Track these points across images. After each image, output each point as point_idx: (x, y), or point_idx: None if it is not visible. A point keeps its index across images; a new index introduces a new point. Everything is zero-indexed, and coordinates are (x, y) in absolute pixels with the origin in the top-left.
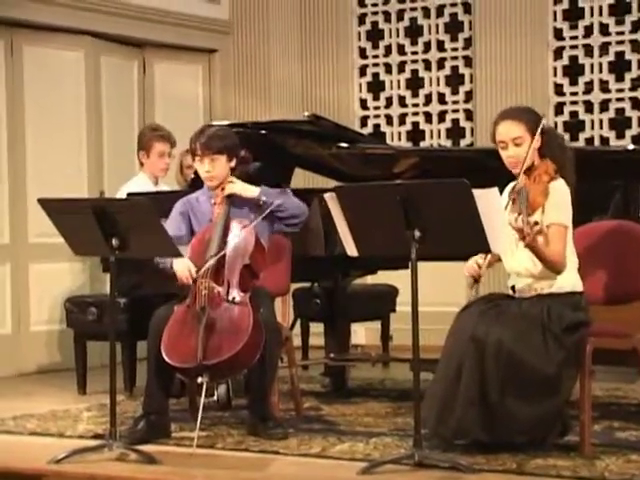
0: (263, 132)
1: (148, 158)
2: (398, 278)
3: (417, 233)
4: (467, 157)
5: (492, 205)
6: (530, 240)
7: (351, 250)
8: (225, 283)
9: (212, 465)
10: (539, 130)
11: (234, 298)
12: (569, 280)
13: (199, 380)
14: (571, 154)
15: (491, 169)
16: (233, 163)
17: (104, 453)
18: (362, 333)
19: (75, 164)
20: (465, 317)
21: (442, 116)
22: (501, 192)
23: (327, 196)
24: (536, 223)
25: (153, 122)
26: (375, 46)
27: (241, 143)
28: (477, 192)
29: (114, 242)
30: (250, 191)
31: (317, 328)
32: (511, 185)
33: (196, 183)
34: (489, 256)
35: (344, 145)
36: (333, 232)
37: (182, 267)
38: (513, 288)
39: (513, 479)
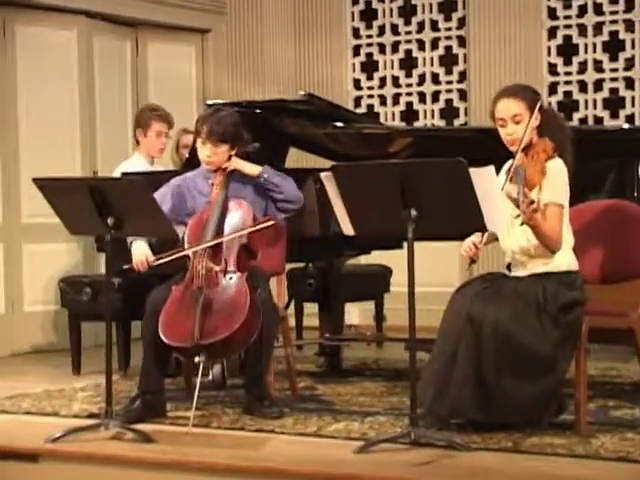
0: (258, 111)
1: (145, 137)
2: (391, 258)
3: (414, 212)
4: (462, 137)
5: (488, 184)
6: (527, 218)
7: (347, 229)
8: (222, 263)
9: (208, 444)
10: (537, 108)
11: (231, 278)
12: (565, 259)
13: (196, 359)
14: (570, 133)
15: (486, 148)
16: (234, 152)
17: (100, 432)
18: (356, 313)
19: (68, 144)
20: (461, 297)
21: (436, 96)
22: (497, 172)
23: (323, 175)
24: (532, 202)
25: (152, 102)
26: (369, 26)
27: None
28: (473, 171)
29: (110, 221)
30: (252, 168)
31: (310, 309)
32: (508, 163)
33: (190, 163)
34: (485, 235)
35: (339, 124)
36: (328, 212)
37: (139, 252)
38: (509, 266)
39: (509, 457)
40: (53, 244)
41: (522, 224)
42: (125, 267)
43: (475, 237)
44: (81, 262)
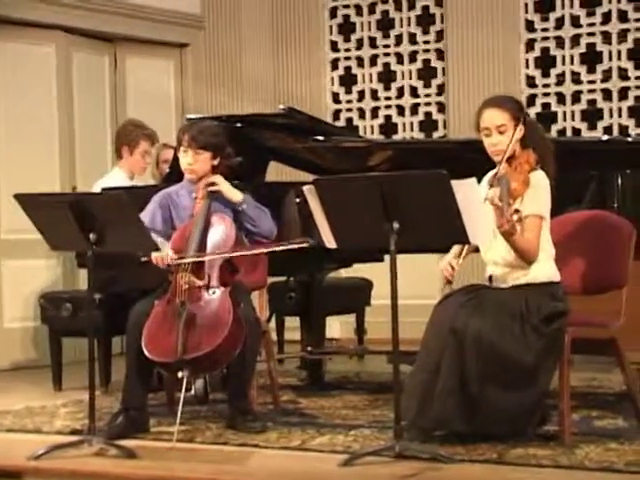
0: (238, 125)
1: (131, 155)
2: (372, 271)
3: (396, 225)
4: (442, 149)
5: (470, 196)
6: (508, 228)
7: (330, 243)
8: (205, 277)
9: (192, 459)
10: (522, 119)
11: (214, 292)
12: (546, 270)
13: (179, 374)
14: (552, 146)
15: (466, 160)
16: (216, 162)
17: (83, 448)
18: (337, 327)
19: (47, 159)
20: (444, 309)
21: (415, 109)
22: (478, 183)
23: (306, 189)
24: (517, 211)
25: (135, 118)
26: (347, 39)
27: None
28: (455, 183)
29: (91, 237)
30: (234, 194)
31: (291, 323)
32: (490, 173)
33: (171, 177)
34: (462, 255)
35: (320, 138)
36: (309, 225)
37: (163, 250)
38: (490, 278)
39: (494, 469)
40: (33, 260)
41: (502, 233)
42: (143, 259)
43: (452, 257)
44: (61, 278)
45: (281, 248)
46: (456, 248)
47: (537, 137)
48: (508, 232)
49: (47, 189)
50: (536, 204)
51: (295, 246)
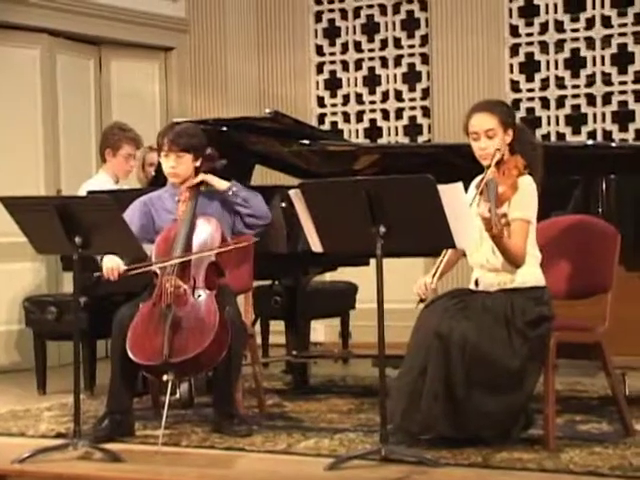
0: (224, 129)
1: (114, 157)
2: (357, 275)
3: (382, 229)
4: (427, 153)
5: (457, 200)
6: (497, 232)
7: (316, 247)
8: (191, 281)
9: (178, 463)
10: (511, 124)
11: (200, 295)
12: (532, 275)
13: (165, 378)
14: (541, 152)
15: (450, 165)
16: (198, 163)
17: (68, 452)
18: (321, 330)
19: (31, 162)
20: (429, 313)
21: (399, 113)
22: (465, 188)
23: (292, 193)
24: (504, 215)
25: (119, 121)
26: (332, 43)
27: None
28: (442, 187)
29: (77, 240)
30: (221, 182)
31: (276, 326)
32: (478, 178)
33: (157, 181)
34: (436, 277)
35: (305, 142)
36: (295, 229)
37: (110, 261)
38: (476, 282)
39: (479, 473)
40: (17, 263)
41: (491, 237)
42: (96, 274)
43: (428, 277)
44: (45, 281)
45: (228, 248)
46: (432, 269)
47: (526, 142)
48: (497, 236)
49: (32, 192)
50: (523, 209)
51: (240, 245)
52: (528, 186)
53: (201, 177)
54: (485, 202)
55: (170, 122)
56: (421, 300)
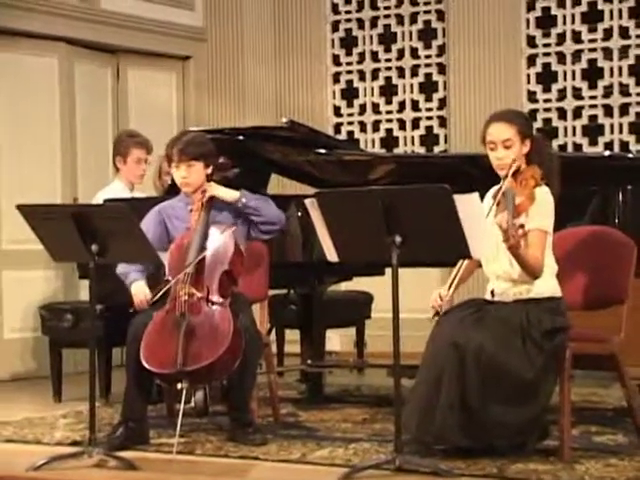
0: (240, 138)
1: (125, 164)
2: (372, 284)
3: (398, 238)
4: (443, 163)
5: (473, 210)
6: (514, 242)
7: (331, 256)
8: (205, 289)
9: (192, 471)
10: (529, 135)
11: (214, 304)
12: (548, 285)
13: (179, 386)
14: (557, 163)
15: (467, 176)
16: (209, 170)
17: (83, 459)
18: (336, 340)
19: (49, 171)
20: (445, 323)
21: (416, 123)
22: (480, 199)
23: (307, 202)
24: (522, 226)
25: (129, 128)
26: (348, 53)
27: (218, 149)
28: (458, 197)
29: (94, 248)
30: (230, 194)
31: (291, 335)
32: (494, 189)
33: (173, 189)
34: (452, 289)
35: (321, 151)
36: (310, 238)
37: (139, 293)
38: (492, 292)
39: None
40: (33, 271)
41: (508, 248)
42: (131, 310)
43: (443, 289)
44: (61, 289)
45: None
46: (449, 280)
47: (544, 153)
48: (514, 247)
49: (48, 200)
50: (541, 219)
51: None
52: (545, 196)
53: (210, 191)
54: (502, 213)
55: (178, 133)
56: (436, 313)
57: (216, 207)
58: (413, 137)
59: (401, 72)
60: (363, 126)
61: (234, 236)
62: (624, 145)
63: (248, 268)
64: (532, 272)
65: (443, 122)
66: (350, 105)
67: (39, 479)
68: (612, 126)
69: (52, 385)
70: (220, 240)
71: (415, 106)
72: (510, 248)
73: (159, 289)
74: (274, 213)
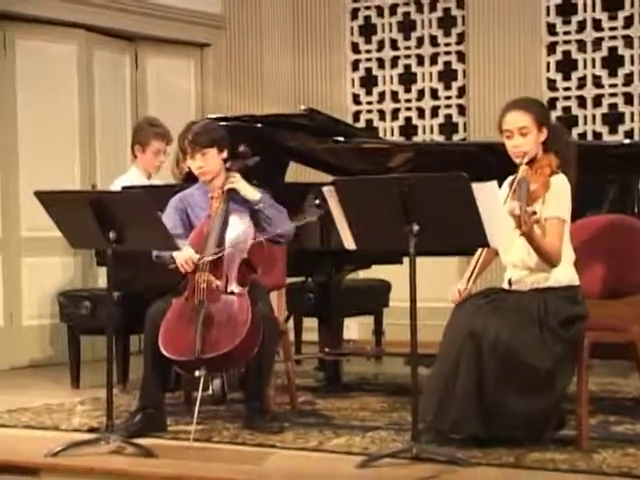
0: (258, 125)
1: (144, 153)
2: (390, 273)
3: (415, 227)
4: (462, 151)
5: (491, 199)
6: (527, 229)
7: (349, 244)
8: (224, 277)
9: (209, 458)
10: (546, 123)
11: (232, 292)
12: (566, 274)
13: (197, 373)
14: (575, 151)
15: (486, 164)
16: (224, 154)
17: (100, 446)
18: (354, 328)
19: (67, 158)
20: (462, 312)
21: (435, 111)
22: (499, 187)
23: (326, 189)
24: (534, 213)
25: (151, 116)
26: (368, 41)
27: (236, 136)
28: (476, 186)
29: (111, 235)
30: (251, 193)
31: (308, 323)
32: (511, 177)
33: (191, 177)
34: (471, 281)
35: (340, 139)
36: (329, 226)
37: (184, 255)
38: (510, 281)
39: (510, 473)
40: (52, 258)
41: (521, 235)
42: (171, 266)
43: (461, 283)
44: (79, 276)
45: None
46: (467, 273)
47: (561, 141)
48: (526, 233)
49: (67, 187)
50: (557, 207)
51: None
52: (561, 184)
53: (233, 184)
54: (515, 200)
55: (186, 125)
56: (456, 305)
57: (236, 197)
58: (432, 125)
59: (420, 60)
60: (382, 114)
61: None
62: None
63: (267, 256)
64: (550, 260)
65: (462, 110)
66: (369, 93)
67: (57, 465)
68: (632, 114)
69: (70, 372)
70: (240, 229)
71: (434, 94)
72: (523, 234)
73: (213, 252)
74: (284, 228)
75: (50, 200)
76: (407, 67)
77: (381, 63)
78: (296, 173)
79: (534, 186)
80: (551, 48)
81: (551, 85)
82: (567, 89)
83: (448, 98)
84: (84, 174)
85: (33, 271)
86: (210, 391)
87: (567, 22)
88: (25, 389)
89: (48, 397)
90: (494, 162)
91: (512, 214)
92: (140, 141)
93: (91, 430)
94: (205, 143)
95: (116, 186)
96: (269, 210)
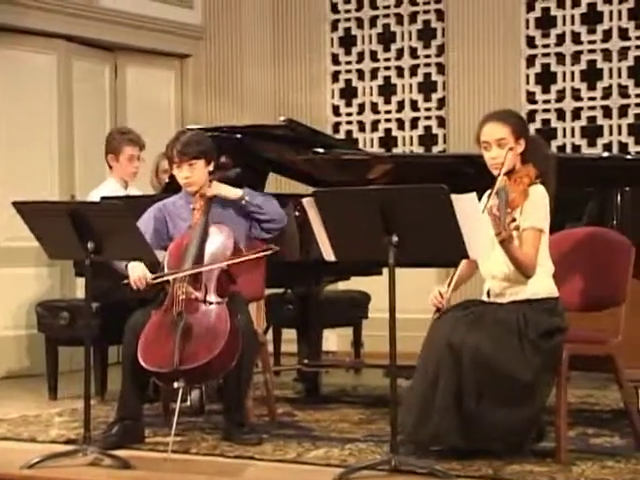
0: (238, 136)
1: (117, 162)
2: (369, 284)
3: (395, 238)
4: (441, 163)
5: (470, 210)
6: (506, 235)
7: (328, 255)
8: (203, 288)
9: (187, 470)
10: (523, 134)
11: (212, 303)
12: (544, 286)
13: (175, 385)
14: (554, 163)
15: (465, 175)
16: (211, 167)
17: (78, 458)
18: (333, 339)
19: (46, 168)
20: (441, 324)
21: (414, 123)
22: (478, 199)
23: (305, 201)
24: (514, 219)
25: (121, 125)
26: (348, 52)
27: (216, 147)
28: (455, 197)
29: (90, 246)
30: (234, 192)
31: (287, 335)
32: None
33: (170, 187)
34: (451, 286)
35: (319, 150)
36: (308, 237)
37: (137, 272)
38: (488, 293)
39: None
40: (30, 268)
41: (500, 242)
42: (124, 282)
43: (442, 287)
44: (58, 286)
45: (249, 257)
46: (449, 279)
47: (539, 153)
48: (506, 240)
49: (46, 197)
50: (535, 218)
51: (261, 254)
52: (540, 195)
53: (213, 190)
54: (495, 208)
55: (176, 133)
56: (437, 310)
57: (219, 205)
58: (412, 137)
59: (400, 72)
60: (362, 126)
61: (233, 235)
62: (623, 147)
63: (246, 268)
64: (524, 270)
65: (442, 122)
66: (349, 104)
67: (34, 477)
68: (611, 127)
69: (47, 383)
70: (219, 240)
71: (414, 106)
72: (502, 242)
73: (165, 273)
74: (277, 211)
75: (28, 210)
76: (387, 79)
77: (361, 74)
78: (276, 184)
79: (513, 195)
80: (530, 61)
81: (530, 97)
82: (546, 102)
83: (428, 110)
84: (63, 185)
85: (11, 281)
86: (188, 402)
87: (546, 35)
88: (2, 400)
89: (25, 408)
90: (473, 174)
91: (490, 215)
92: (112, 150)
93: (68, 442)
94: (193, 154)
95: (92, 197)
96: (256, 199)
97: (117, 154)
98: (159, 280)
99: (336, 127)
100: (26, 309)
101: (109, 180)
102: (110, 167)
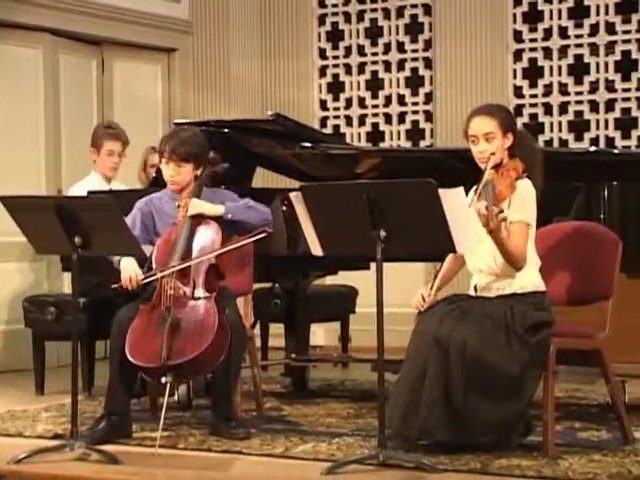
0: (225, 131)
1: (98, 156)
2: (357, 279)
3: (383, 233)
4: (429, 157)
5: (458, 204)
6: (494, 226)
7: (316, 249)
8: (191, 283)
9: (175, 465)
10: (511, 128)
11: (200, 298)
12: (531, 280)
13: (163, 380)
14: (541, 158)
15: (452, 170)
16: (199, 172)
17: (65, 453)
18: (321, 334)
19: (33, 162)
20: (428, 318)
21: (402, 117)
22: (466, 193)
23: (292, 195)
24: (501, 211)
25: (108, 119)
26: (335, 47)
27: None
28: (443, 192)
29: (77, 240)
30: (214, 210)
31: (274, 329)
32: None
33: (158, 182)
34: (434, 288)
35: (307, 145)
36: (295, 232)
37: (128, 269)
38: (475, 287)
39: (477, 479)
40: (16, 263)
41: (489, 233)
42: (114, 286)
43: (425, 289)
44: (45, 281)
45: (242, 243)
46: (431, 281)
47: (526, 147)
48: (494, 231)
49: (33, 192)
50: (522, 211)
51: (254, 238)
52: (527, 189)
53: (193, 210)
54: (482, 200)
55: (174, 128)
56: (420, 312)
57: (206, 198)
58: (399, 131)
59: (387, 66)
60: (349, 120)
61: (221, 230)
62: (610, 141)
63: (235, 262)
64: (515, 262)
65: (429, 116)
66: (336, 99)
67: (21, 472)
68: (598, 122)
69: (35, 378)
70: (208, 234)
71: (401, 100)
72: (490, 233)
73: (150, 275)
74: (261, 217)
75: (15, 205)
76: (374, 73)
77: (348, 69)
78: (264, 179)
79: (500, 188)
80: (517, 55)
81: (517, 92)
82: (533, 96)
83: (415, 104)
84: (50, 179)
85: None
86: (176, 397)
87: (533, 29)
88: None
89: (12, 404)
90: (461, 168)
91: (479, 213)
92: (95, 144)
93: (56, 437)
94: (184, 156)
95: (74, 192)
96: (239, 215)
97: (98, 148)
98: (150, 279)
99: (323, 121)
100: (14, 304)
101: (92, 174)
102: (94, 161)
